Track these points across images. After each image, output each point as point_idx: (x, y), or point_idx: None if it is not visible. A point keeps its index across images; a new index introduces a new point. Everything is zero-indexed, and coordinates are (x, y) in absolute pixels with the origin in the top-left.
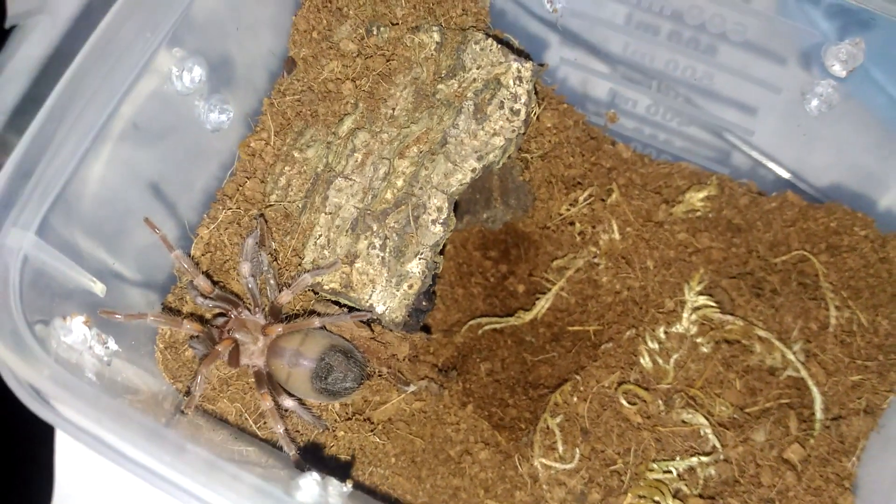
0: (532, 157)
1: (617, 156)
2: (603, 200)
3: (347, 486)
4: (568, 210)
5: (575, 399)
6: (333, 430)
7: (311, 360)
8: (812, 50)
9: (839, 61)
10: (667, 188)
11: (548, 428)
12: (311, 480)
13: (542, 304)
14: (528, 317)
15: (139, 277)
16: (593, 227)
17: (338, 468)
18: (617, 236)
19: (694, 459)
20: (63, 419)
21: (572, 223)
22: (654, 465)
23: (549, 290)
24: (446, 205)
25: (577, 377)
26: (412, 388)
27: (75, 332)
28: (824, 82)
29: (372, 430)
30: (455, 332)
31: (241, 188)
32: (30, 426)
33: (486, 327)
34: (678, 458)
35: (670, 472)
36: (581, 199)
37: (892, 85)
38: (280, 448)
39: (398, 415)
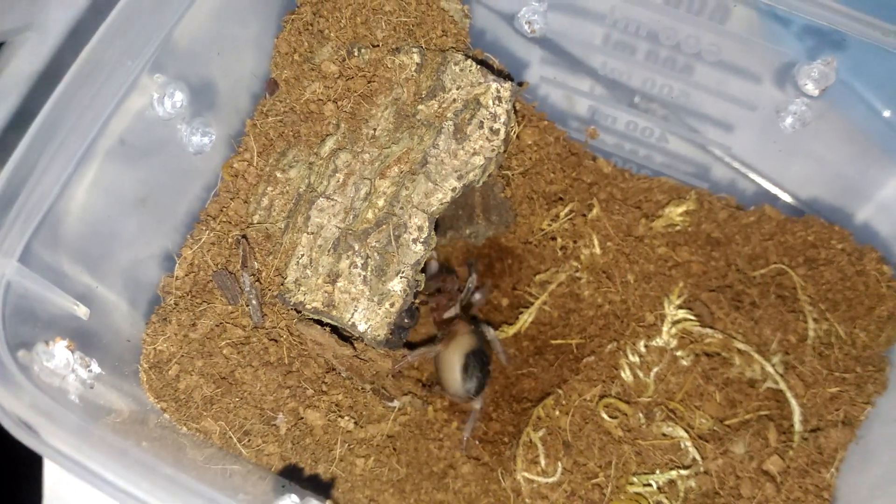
0: (513, 174)
1: (598, 171)
2: (584, 215)
3: None
4: (549, 225)
5: (557, 413)
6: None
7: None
8: (785, 69)
9: (812, 80)
10: (647, 203)
11: (530, 442)
12: (288, 502)
13: (526, 319)
14: (511, 331)
15: (123, 299)
16: (574, 242)
17: (320, 485)
18: (598, 251)
19: (674, 472)
20: (46, 445)
21: (554, 238)
22: (635, 479)
23: (532, 304)
24: (427, 224)
25: (560, 391)
26: (396, 403)
27: (58, 356)
28: (798, 100)
29: (356, 446)
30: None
31: (224, 209)
32: (18, 448)
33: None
34: (658, 472)
35: (650, 485)
36: (562, 214)
37: (874, 98)
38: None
39: (382, 430)
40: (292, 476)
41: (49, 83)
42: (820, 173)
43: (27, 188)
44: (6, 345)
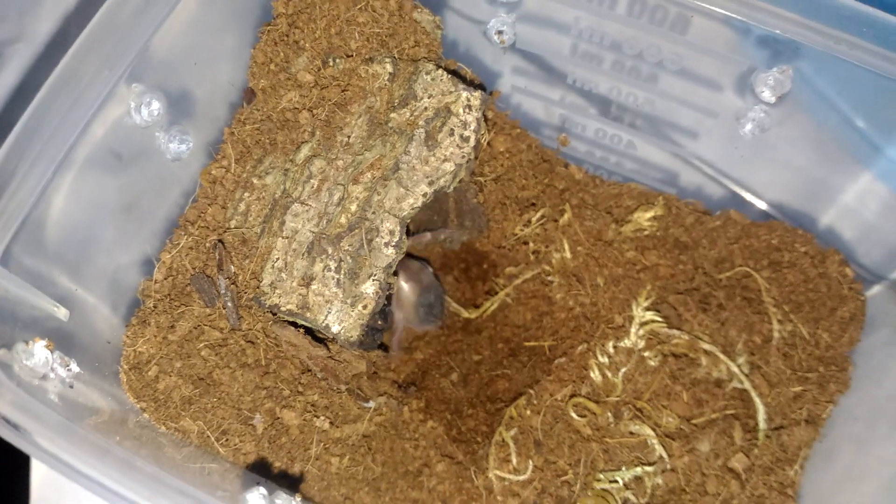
0: (486, 180)
1: (570, 177)
2: (555, 221)
3: (297, 500)
4: (522, 230)
5: (529, 412)
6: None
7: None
8: (744, 77)
9: (768, 88)
10: (617, 208)
11: (503, 440)
12: (257, 495)
13: (488, 306)
14: (475, 314)
15: (103, 302)
16: (546, 247)
17: (296, 483)
18: (569, 255)
19: (639, 469)
20: (27, 442)
21: (526, 243)
22: (602, 476)
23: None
24: (398, 228)
25: (532, 391)
26: (372, 404)
27: (37, 355)
28: (756, 107)
29: (332, 445)
30: (416, 349)
31: (202, 214)
32: (4, 447)
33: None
34: (624, 469)
35: (616, 481)
36: (534, 219)
37: (835, 103)
38: None
39: (358, 430)
40: (269, 474)
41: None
42: (783, 178)
43: (7, 194)
44: None
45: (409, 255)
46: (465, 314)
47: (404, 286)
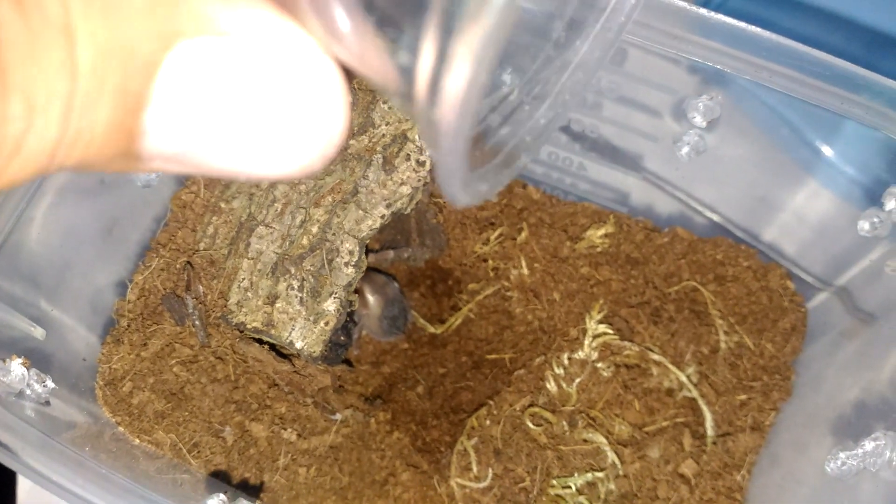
0: (445, 201)
1: (528, 197)
2: (513, 239)
3: None
4: (482, 248)
5: (489, 422)
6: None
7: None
8: (678, 104)
9: (699, 113)
10: (572, 226)
11: (464, 450)
12: (217, 500)
13: (453, 321)
14: (440, 329)
15: (78, 322)
16: (505, 264)
17: (265, 493)
18: (526, 271)
19: (590, 475)
20: (7, 455)
21: (486, 260)
22: (555, 482)
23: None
24: (357, 248)
25: (492, 402)
26: (338, 416)
27: (14, 372)
28: (691, 132)
29: (299, 456)
30: (383, 363)
31: (173, 237)
32: None
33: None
34: (577, 474)
35: (569, 486)
36: (493, 238)
37: (767, 126)
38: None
39: (325, 441)
40: (238, 484)
41: None
42: (726, 195)
43: None
44: None
45: (375, 270)
46: (430, 329)
47: (370, 298)
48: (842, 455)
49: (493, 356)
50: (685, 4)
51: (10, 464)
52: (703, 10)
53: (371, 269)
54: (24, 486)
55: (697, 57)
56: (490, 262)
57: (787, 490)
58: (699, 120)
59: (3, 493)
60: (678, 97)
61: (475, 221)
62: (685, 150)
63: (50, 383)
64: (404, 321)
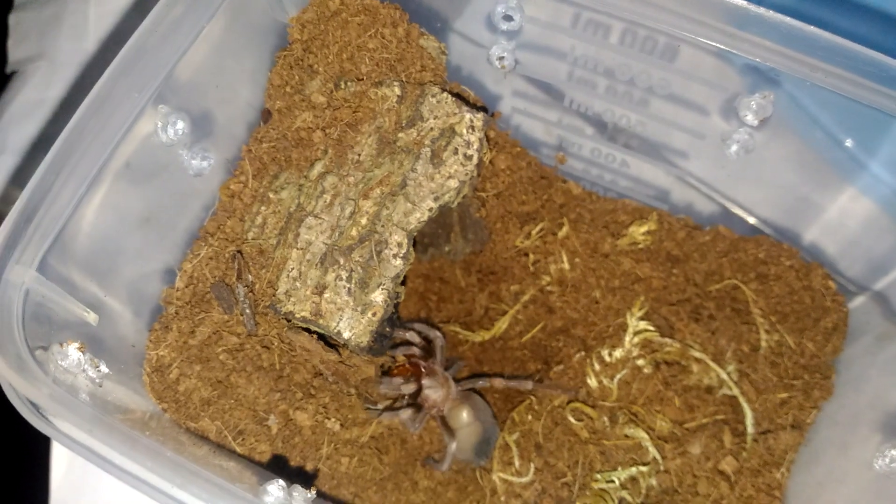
0: (488, 196)
1: (568, 193)
2: (554, 234)
3: (311, 493)
4: (522, 242)
5: (530, 417)
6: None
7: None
8: (728, 102)
9: (751, 112)
10: (613, 223)
11: (506, 444)
12: (276, 486)
13: (500, 325)
14: (487, 335)
15: (128, 308)
16: (545, 258)
17: (308, 481)
18: (567, 266)
19: (634, 469)
20: (59, 432)
21: (526, 254)
22: (599, 476)
23: (507, 312)
24: (406, 241)
25: (533, 397)
26: (380, 406)
27: (71, 356)
28: (741, 130)
29: (342, 446)
30: None
31: (221, 227)
32: (28, 440)
33: (451, 328)
34: (620, 469)
35: (613, 481)
36: (534, 232)
37: (816, 126)
38: None
39: (367, 432)
40: (283, 472)
41: (59, 109)
42: (770, 195)
43: (44, 206)
44: (26, 344)
45: (475, 392)
46: (476, 338)
47: (465, 419)
48: (892, 453)
49: (532, 351)
50: (741, 2)
51: (64, 441)
52: (760, 8)
53: (471, 391)
54: (57, 472)
55: (751, 55)
56: (531, 256)
57: (827, 488)
58: (751, 118)
59: (38, 480)
60: (728, 95)
61: (517, 216)
62: (734, 148)
63: (104, 368)
64: (490, 450)
